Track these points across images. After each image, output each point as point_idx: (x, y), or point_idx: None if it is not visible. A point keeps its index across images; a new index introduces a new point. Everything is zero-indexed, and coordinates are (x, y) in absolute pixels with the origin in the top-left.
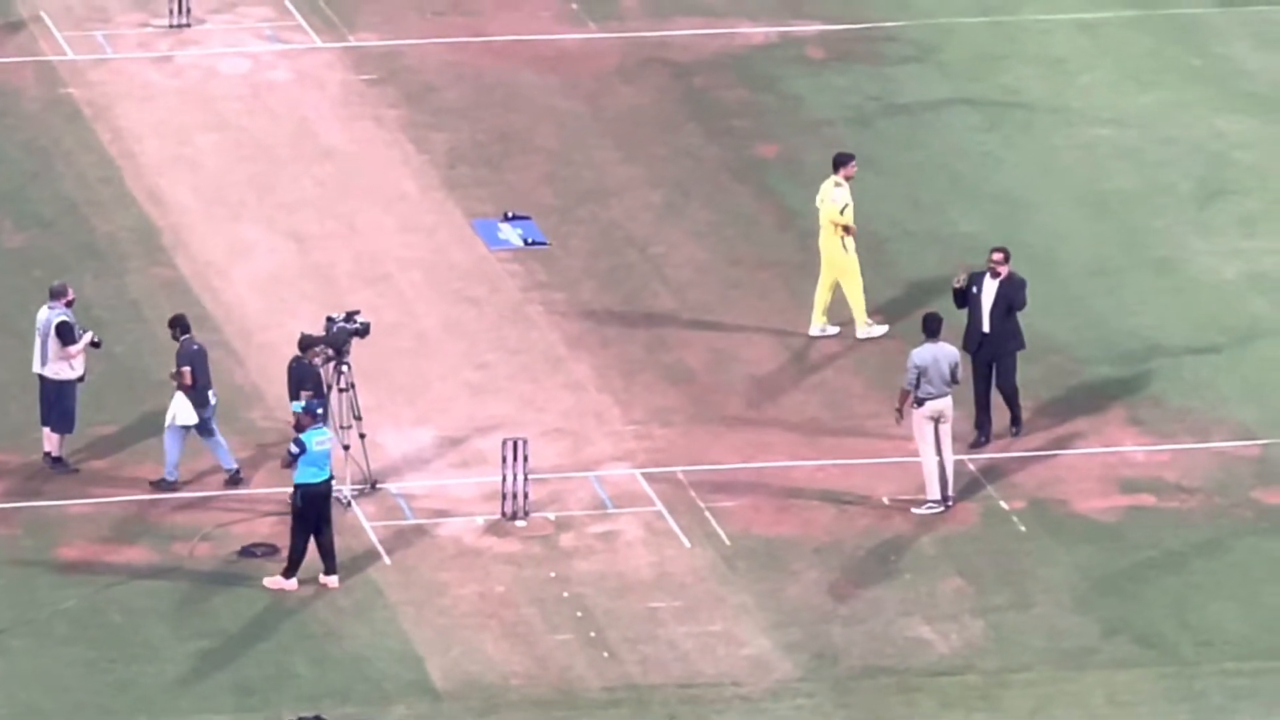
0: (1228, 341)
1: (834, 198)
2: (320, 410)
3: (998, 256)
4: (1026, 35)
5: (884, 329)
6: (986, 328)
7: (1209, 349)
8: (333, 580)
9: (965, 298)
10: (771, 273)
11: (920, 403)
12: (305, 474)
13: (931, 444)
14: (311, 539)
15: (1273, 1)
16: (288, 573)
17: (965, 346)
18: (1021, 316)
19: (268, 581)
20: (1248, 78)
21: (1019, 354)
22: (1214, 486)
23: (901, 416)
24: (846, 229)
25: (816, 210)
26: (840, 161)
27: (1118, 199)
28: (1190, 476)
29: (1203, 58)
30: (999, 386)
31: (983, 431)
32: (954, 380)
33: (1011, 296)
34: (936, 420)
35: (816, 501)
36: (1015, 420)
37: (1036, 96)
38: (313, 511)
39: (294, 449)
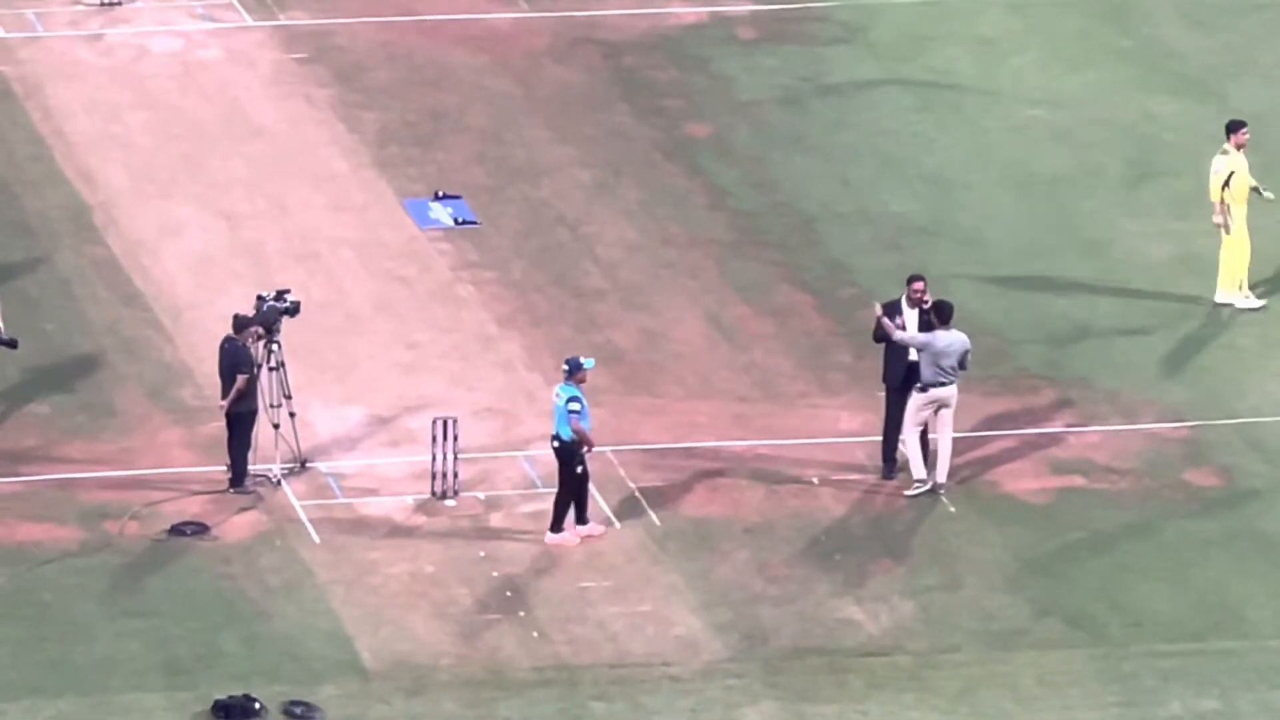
0: (1158, 323)
1: (1216, 168)
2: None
3: (919, 286)
4: (955, 16)
5: (1261, 304)
6: (915, 356)
7: (1139, 330)
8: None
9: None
10: (702, 252)
11: (924, 388)
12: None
13: (919, 426)
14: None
15: None
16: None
17: (885, 380)
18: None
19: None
20: (1178, 59)
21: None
22: (1143, 468)
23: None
24: (1223, 202)
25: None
26: (1233, 128)
27: (1048, 180)
28: (1120, 458)
29: (1133, 39)
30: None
31: (892, 469)
32: (963, 366)
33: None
34: (937, 407)
35: (746, 482)
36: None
37: (966, 77)
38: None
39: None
